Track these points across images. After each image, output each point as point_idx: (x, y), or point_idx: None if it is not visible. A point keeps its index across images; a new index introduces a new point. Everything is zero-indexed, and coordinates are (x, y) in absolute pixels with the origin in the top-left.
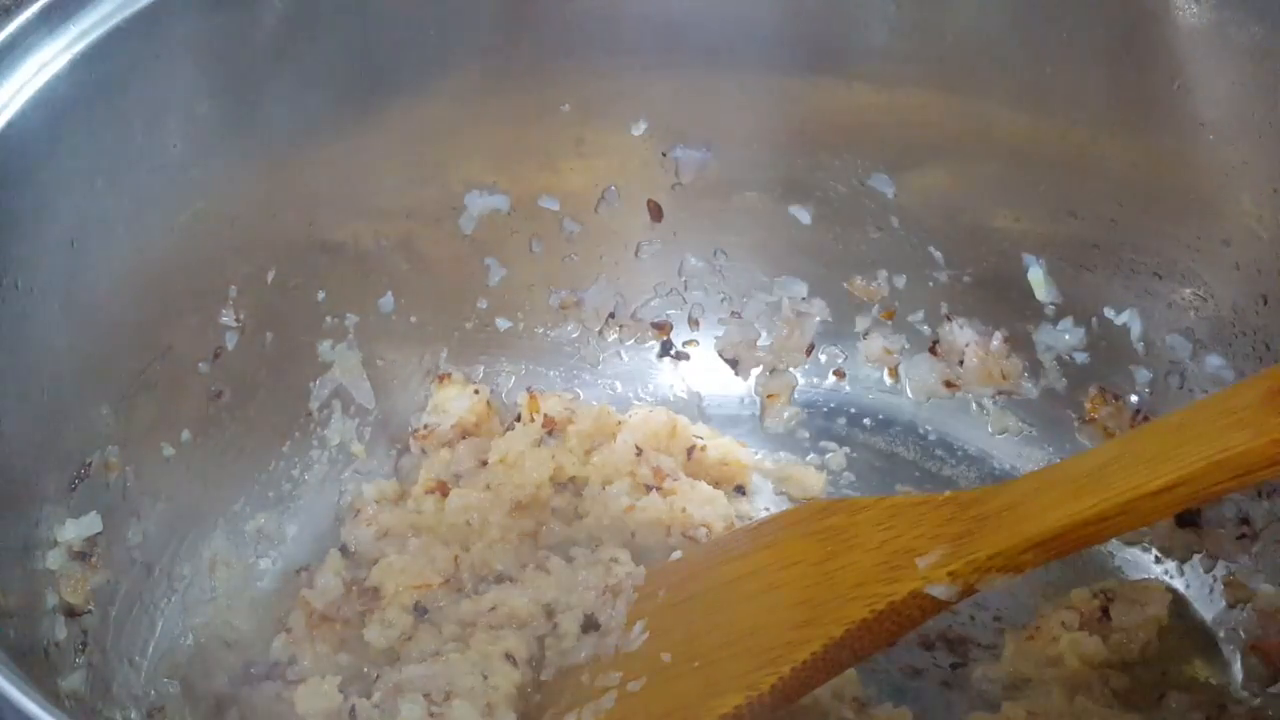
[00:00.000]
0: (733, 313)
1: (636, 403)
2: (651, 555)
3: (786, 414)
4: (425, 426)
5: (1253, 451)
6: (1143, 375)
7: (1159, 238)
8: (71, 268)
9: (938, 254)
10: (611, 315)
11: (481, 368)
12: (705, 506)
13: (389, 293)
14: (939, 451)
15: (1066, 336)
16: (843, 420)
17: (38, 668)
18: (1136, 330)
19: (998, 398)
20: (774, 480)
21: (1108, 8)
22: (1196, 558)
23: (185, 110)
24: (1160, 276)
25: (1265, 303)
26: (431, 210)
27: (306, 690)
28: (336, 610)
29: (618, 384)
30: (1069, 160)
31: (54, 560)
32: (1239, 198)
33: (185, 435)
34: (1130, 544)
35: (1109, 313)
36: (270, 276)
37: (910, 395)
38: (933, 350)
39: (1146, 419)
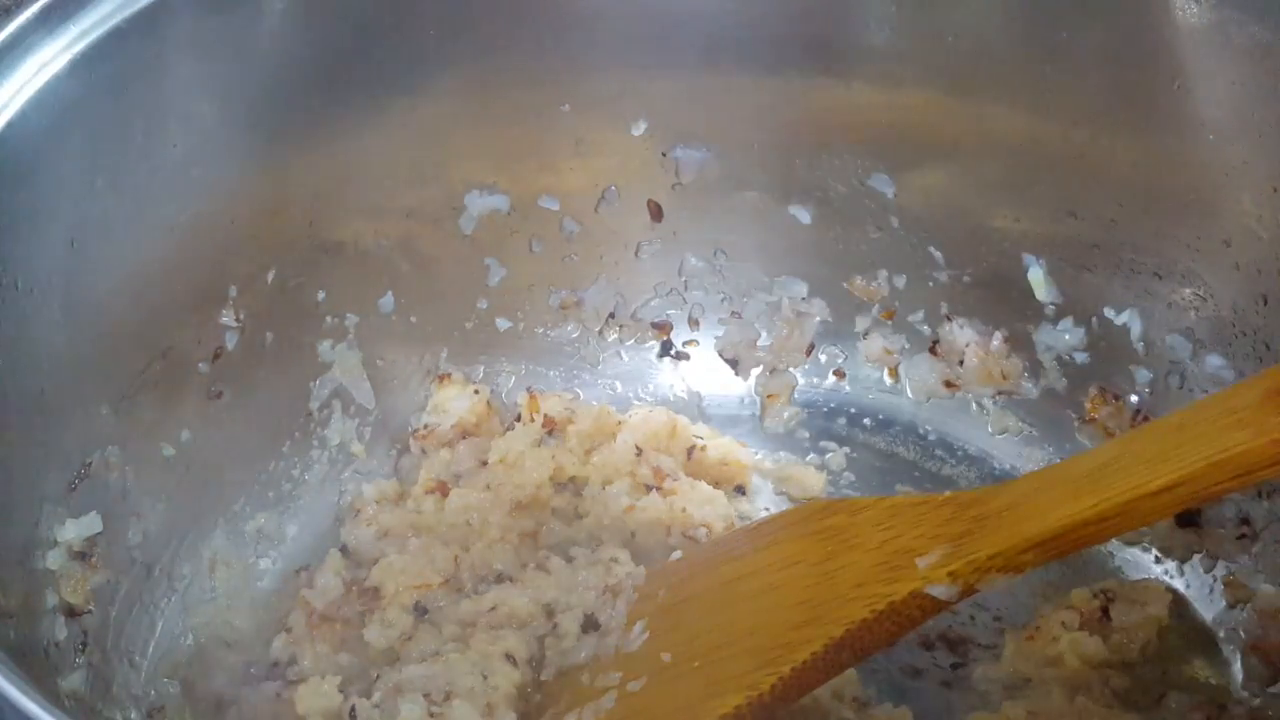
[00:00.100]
0: (733, 313)
1: (636, 403)
2: (651, 555)
3: (786, 414)
4: (425, 426)
5: (1253, 451)
6: (1143, 375)
7: (1159, 238)
8: (71, 268)
9: (938, 254)
10: (611, 315)
11: (481, 368)
12: (705, 506)
13: (389, 293)
14: (939, 451)
15: (1066, 336)
16: (843, 420)
17: (38, 668)
18: (1136, 330)
19: (998, 398)
20: (774, 480)
21: (1108, 8)
22: (1196, 558)
23: (185, 110)
24: (1160, 276)
25: (1265, 303)
26: (431, 210)
27: (306, 690)
28: (336, 610)
29: (618, 384)
30: (1069, 160)
31: (54, 560)
32: (1239, 198)
33: (185, 435)
34: (1130, 544)
35: (1109, 313)
36: (270, 276)
37: (910, 395)
38: (933, 350)
39: (1146, 419)
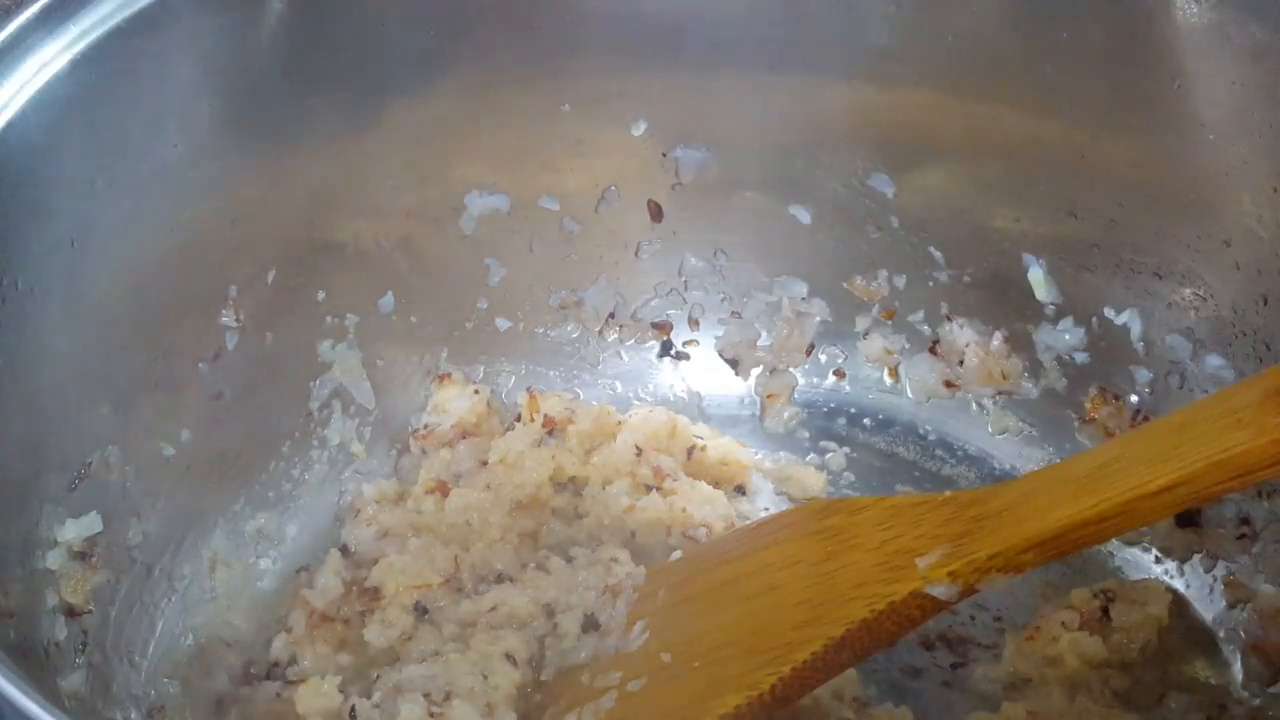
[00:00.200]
0: (733, 313)
1: (636, 403)
2: (651, 555)
3: (786, 414)
4: (425, 426)
5: (1253, 451)
6: (1143, 375)
7: (1159, 238)
8: (71, 268)
9: (938, 254)
10: (611, 315)
11: (481, 368)
12: (705, 506)
13: (389, 293)
14: (939, 451)
15: (1066, 336)
16: (843, 420)
17: (38, 668)
18: (1136, 330)
19: (998, 398)
20: (774, 480)
21: (1108, 8)
22: (1196, 558)
23: (185, 110)
24: (1160, 276)
25: (1265, 303)
26: (431, 210)
27: (306, 690)
28: (336, 610)
29: (618, 384)
30: (1069, 160)
31: (54, 560)
32: (1239, 198)
33: (185, 435)
34: (1130, 544)
35: (1109, 313)
36: (270, 276)
37: (910, 395)
38: (933, 350)
39: (1146, 419)
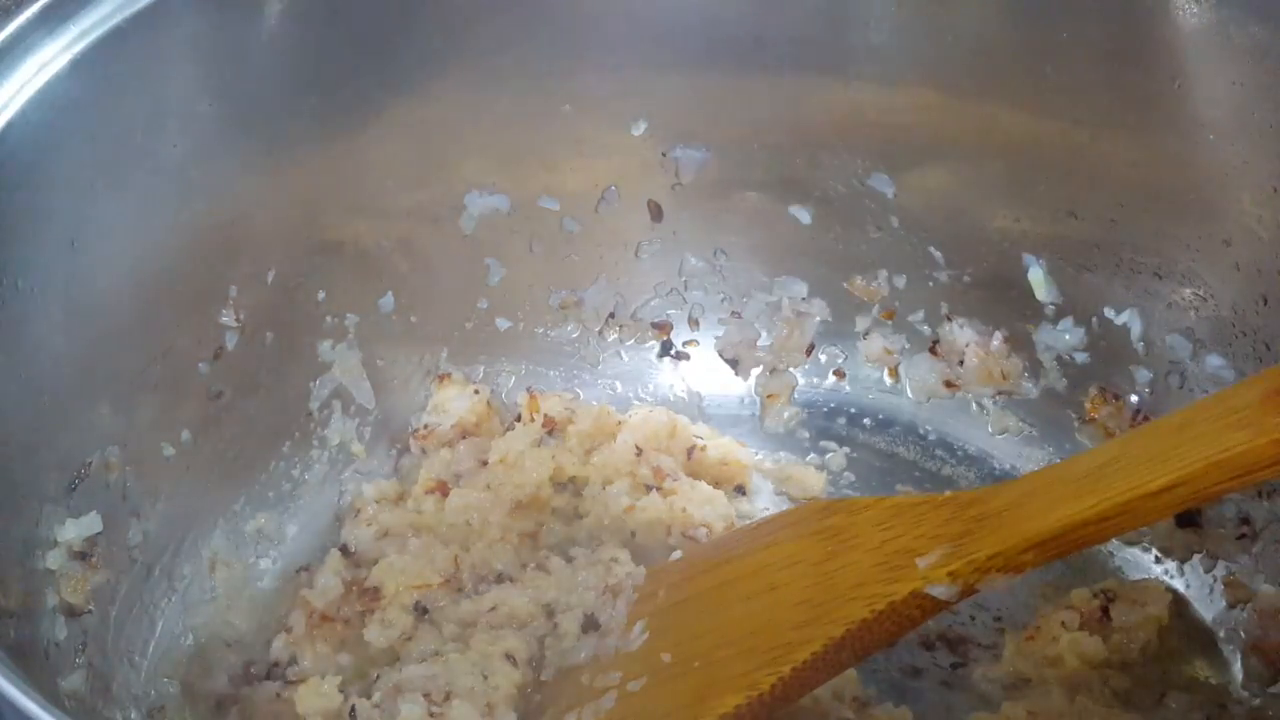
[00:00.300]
0: (733, 313)
1: (636, 403)
2: (651, 555)
3: (786, 414)
4: (425, 426)
5: (1253, 451)
6: (1143, 375)
7: (1159, 238)
8: (71, 268)
9: (938, 254)
10: (611, 315)
11: (481, 368)
12: (705, 506)
13: (389, 293)
14: (939, 451)
15: (1066, 336)
16: (843, 420)
17: (38, 668)
18: (1136, 330)
19: (998, 398)
20: (774, 480)
21: (1108, 8)
22: (1196, 558)
23: (185, 110)
24: (1160, 276)
25: (1265, 303)
26: (431, 210)
27: (306, 690)
28: (336, 610)
29: (618, 384)
30: (1069, 160)
31: (54, 560)
32: (1239, 198)
33: (185, 435)
34: (1130, 544)
35: (1109, 313)
36: (270, 276)
37: (910, 395)
38: (933, 350)
39: (1146, 419)
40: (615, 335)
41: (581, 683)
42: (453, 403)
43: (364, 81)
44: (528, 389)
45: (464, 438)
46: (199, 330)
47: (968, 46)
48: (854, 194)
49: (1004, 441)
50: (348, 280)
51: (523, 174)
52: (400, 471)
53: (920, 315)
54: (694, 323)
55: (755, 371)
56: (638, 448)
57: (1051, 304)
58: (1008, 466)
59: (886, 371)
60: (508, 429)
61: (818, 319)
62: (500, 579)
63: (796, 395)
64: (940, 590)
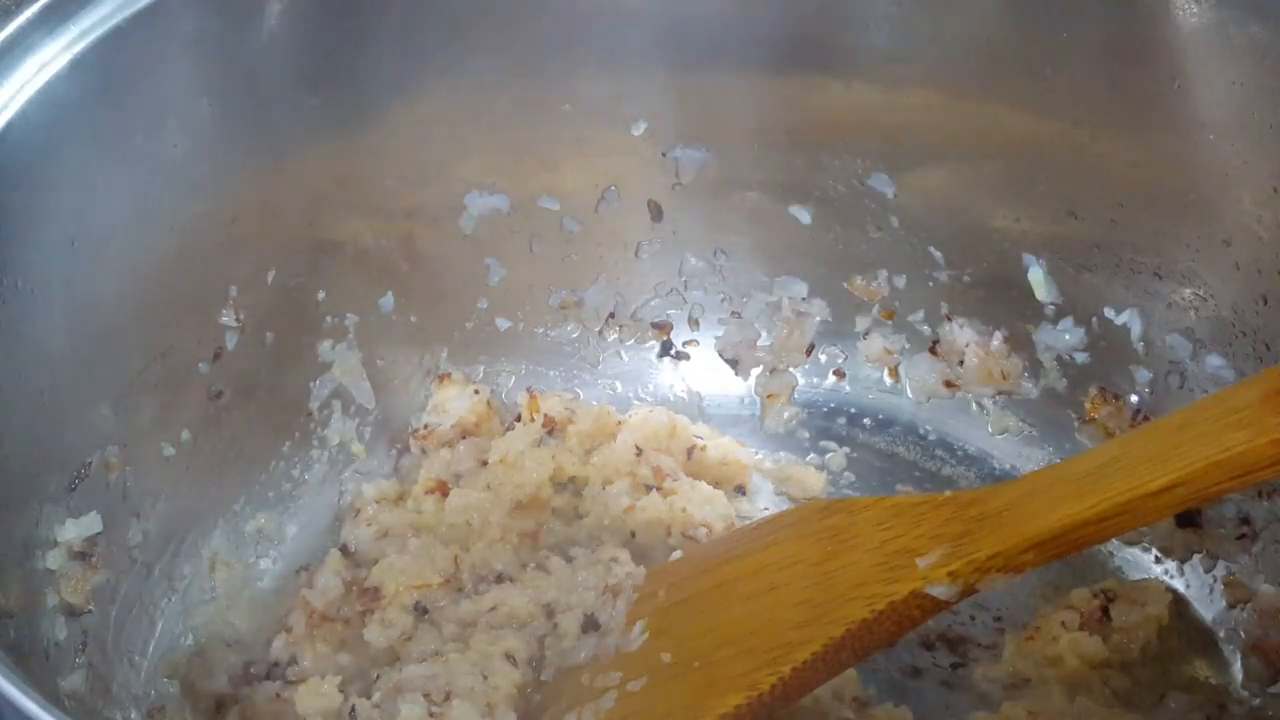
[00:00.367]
0: (733, 313)
1: (636, 403)
2: (651, 555)
3: (786, 414)
4: (425, 426)
5: (1253, 451)
6: (1143, 375)
7: (1159, 238)
8: (71, 268)
9: (938, 254)
10: (611, 315)
11: (481, 368)
12: (705, 506)
13: (389, 293)
14: (939, 451)
15: (1066, 336)
16: (843, 420)
17: (38, 668)
18: (1136, 330)
19: (998, 398)
20: (774, 480)
21: (1108, 8)
22: (1196, 558)
23: (185, 110)
24: (1160, 276)
25: (1265, 303)
26: (431, 210)
27: (306, 690)
28: (336, 610)
29: (618, 384)
30: (1069, 160)
31: (54, 560)
32: (1239, 198)
33: (185, 435)
34: (1130, 544)
35: (1109, 313)
36: (270, 276)
37: (910, 395)
38: (933, 350)
39: (1146, 419)
40: (615, 335)
41: (581, 683)
42: (453, 403)
43: (364, 81)
44: (528, 389)
45: (464, 438)
46: (199, 330)
47: (968, 46)
48: (854, 194)
49: (1004, 441)
50: (348, 280)
51: (523, 174)
52: (400, 471)
53: (920, 315)
54: (694, 323)
55: (755, 371)
56: (638, 448)
57: (1051, 304)
58: (1008, 466)
59: (886, 371)
60: (508, 429)
61: (818, 319)
62: (500, 579)
63: (796, 395)
64: (940, 590)
